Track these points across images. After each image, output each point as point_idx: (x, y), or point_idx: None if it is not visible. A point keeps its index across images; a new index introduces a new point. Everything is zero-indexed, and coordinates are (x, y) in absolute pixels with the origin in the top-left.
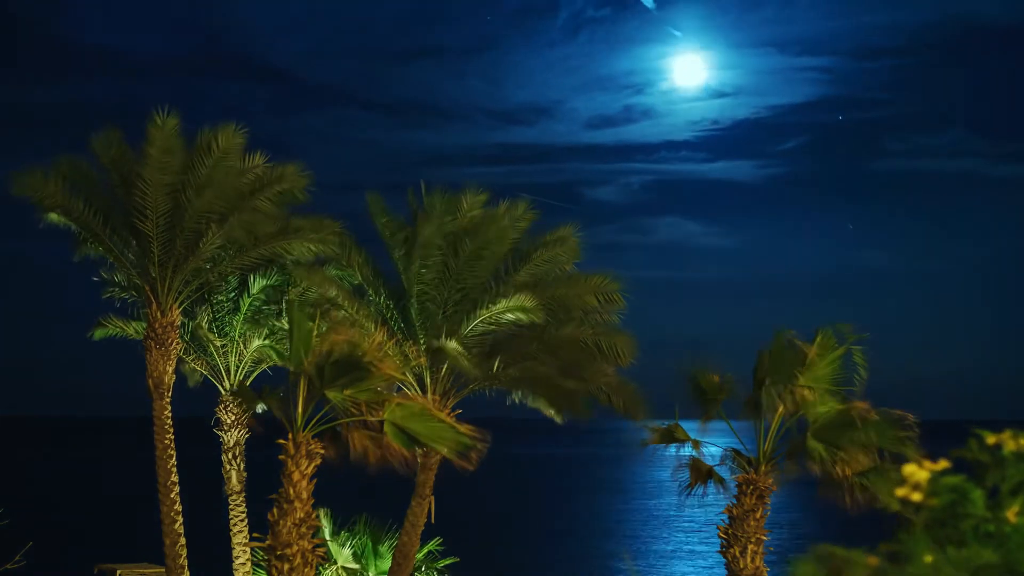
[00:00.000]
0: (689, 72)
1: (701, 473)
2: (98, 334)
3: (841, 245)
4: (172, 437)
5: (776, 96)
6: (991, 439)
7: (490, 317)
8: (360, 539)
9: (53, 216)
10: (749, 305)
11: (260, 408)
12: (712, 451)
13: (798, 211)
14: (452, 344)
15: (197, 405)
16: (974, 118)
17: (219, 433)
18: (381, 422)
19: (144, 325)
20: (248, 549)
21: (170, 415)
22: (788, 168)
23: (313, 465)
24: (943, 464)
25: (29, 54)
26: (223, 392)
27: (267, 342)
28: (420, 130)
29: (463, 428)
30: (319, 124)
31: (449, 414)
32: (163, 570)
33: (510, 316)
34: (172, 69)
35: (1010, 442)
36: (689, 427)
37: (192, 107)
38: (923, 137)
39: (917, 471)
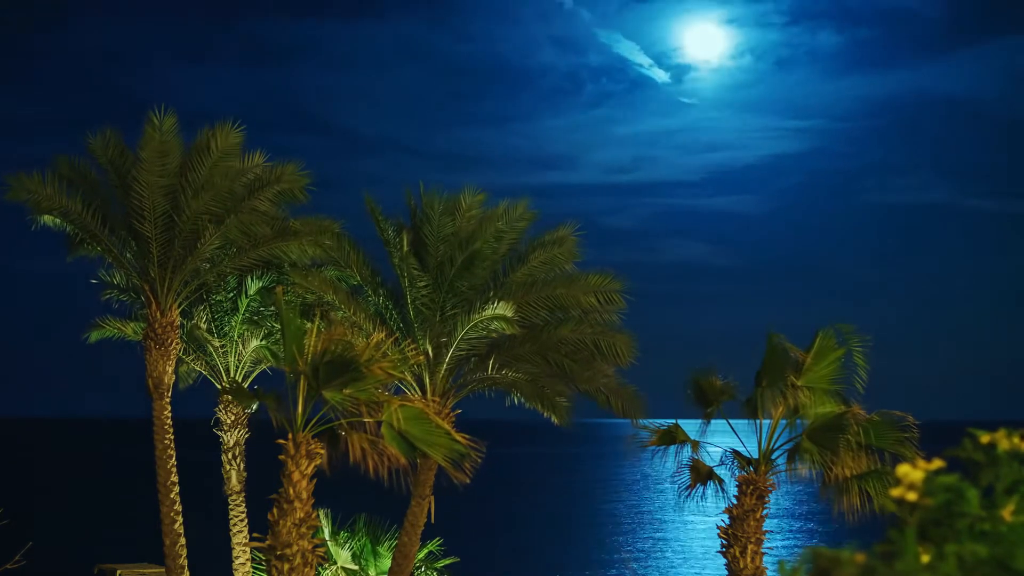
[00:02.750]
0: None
1: (700, 474)
2: (94, 336)
3: (833, 259)
4: (172, 437)
5: (773, 148)
6: (985, 438)
7: (481, 322)
8: (360, 539)
9: (48, 219)
10: (751, 310)
11: (253, 406)
12: (713, 452)
13: (793, 234)
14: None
15: (197, 406)
16: (936, 164)
17: (219, 433)
18: (378, 424)
19: (143, 326)
20: (248, 549)
21: (170, 415)
22: (785, 201)
23: (313, 465)
24: (937, 463)
25: (129, 115)
26: (223, 392)
27: (264, 343)
28: (464, 173)
29: (459, 436)
30: (377, 167)
31: (448, 414)
32: (163, 570)
33: (495, 324)
34: (251, 125)
35: (1004, 441)
36: (690, 427)
37: (271, 156)
38: (895, 177)
39: (911, 471)
